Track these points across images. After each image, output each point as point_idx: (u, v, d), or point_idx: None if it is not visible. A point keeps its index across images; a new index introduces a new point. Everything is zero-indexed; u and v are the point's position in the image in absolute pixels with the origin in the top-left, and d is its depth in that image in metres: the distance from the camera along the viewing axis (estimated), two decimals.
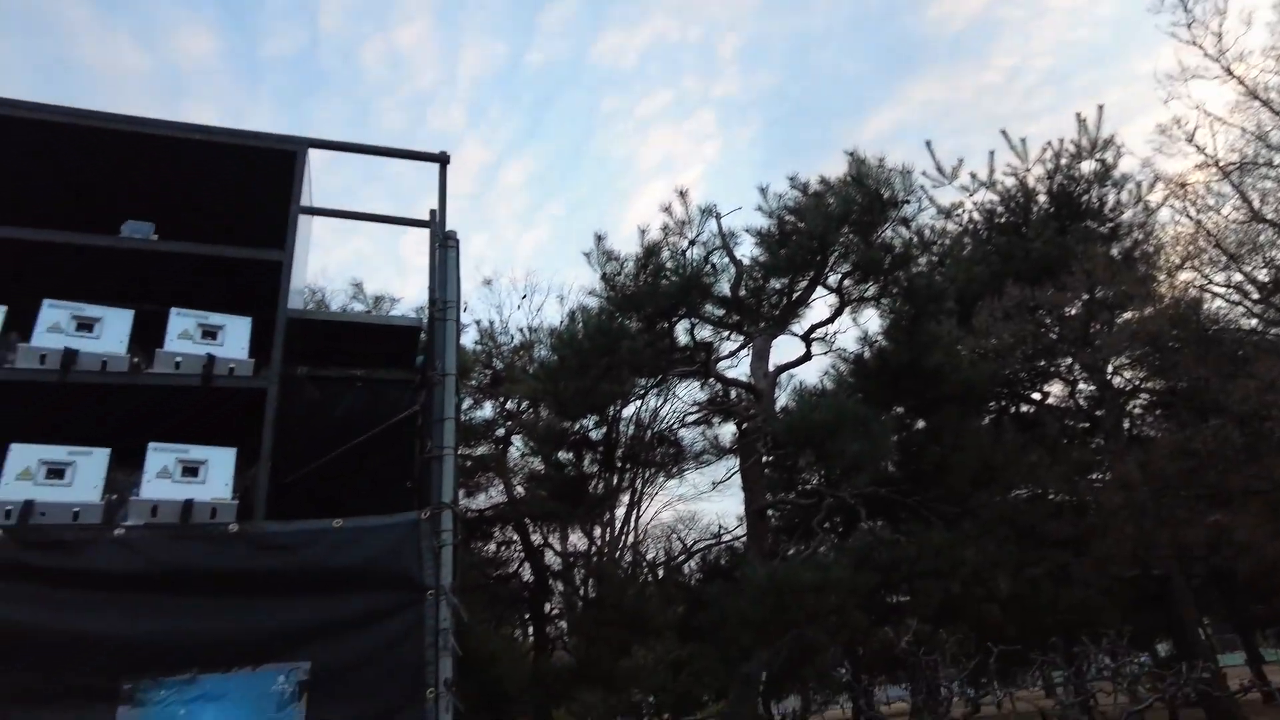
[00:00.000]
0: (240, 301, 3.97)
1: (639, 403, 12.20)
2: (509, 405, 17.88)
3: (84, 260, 3.91)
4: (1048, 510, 9.95)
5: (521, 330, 16.24)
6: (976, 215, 14.25)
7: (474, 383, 14.76)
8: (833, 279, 10.56)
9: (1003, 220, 13.95)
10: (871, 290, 10.70)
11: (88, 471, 3.34)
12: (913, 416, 11.52)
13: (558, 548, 19.69)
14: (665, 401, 17.49)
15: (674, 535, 26.56)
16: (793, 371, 11.04)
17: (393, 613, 3.31)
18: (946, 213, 13.84)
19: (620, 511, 27.36)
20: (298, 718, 3.06)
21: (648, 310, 9.72)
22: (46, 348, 3.50)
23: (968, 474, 10.55)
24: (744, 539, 16.96)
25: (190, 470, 3.43)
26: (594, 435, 9.85)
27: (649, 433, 12.26)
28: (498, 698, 8.98)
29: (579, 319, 10.02)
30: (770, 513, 11.05)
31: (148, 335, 3.81)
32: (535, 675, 12.23)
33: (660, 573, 19.18)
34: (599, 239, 10.20)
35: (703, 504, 52.77)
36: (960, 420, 10.86)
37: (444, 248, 4.28)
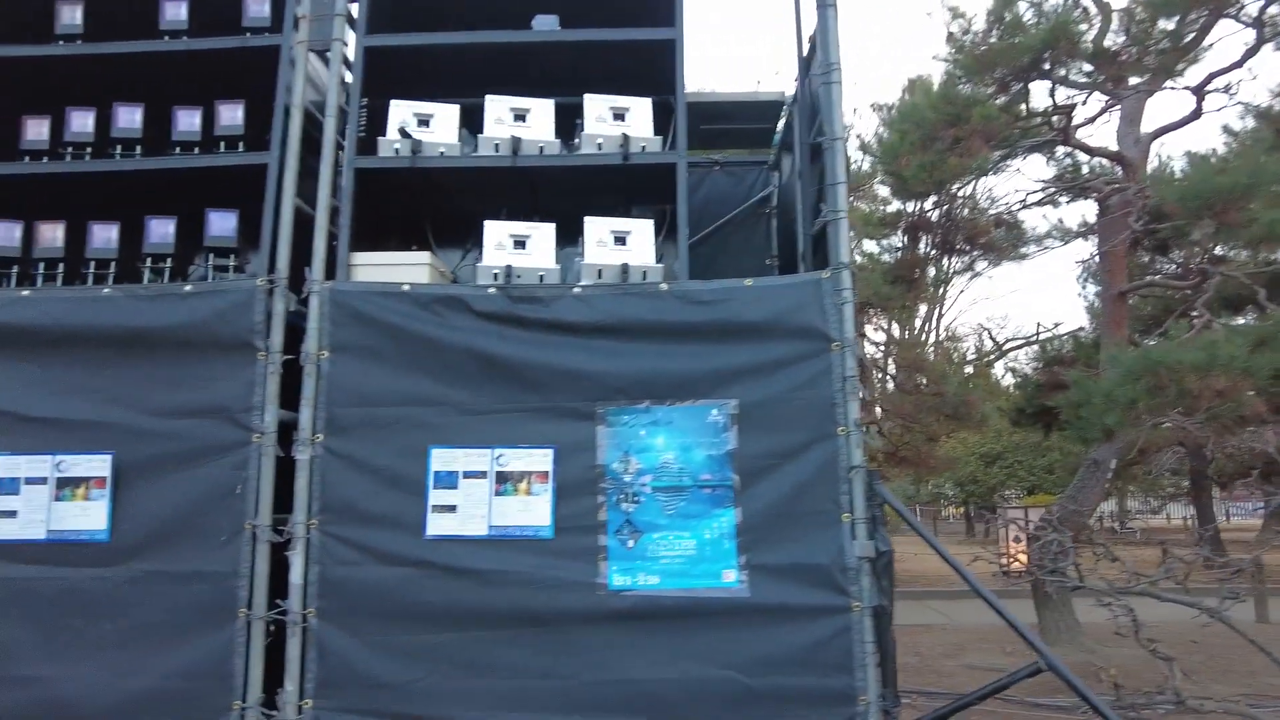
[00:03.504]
0: (625, 86, 4.22)
1: (976, 181, 11.28)
2: None
3: (505, 55, 4.40)
4: None
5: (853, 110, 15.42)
6: None
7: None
8: (1251, 8, 8.46)
9: None
10: None
11: (541, 242, 3.98)
12: None
13: (872, 337, 19.81)
14: (999, 180, 16.02)
15: (986, 332, 25.30)
16: (1162, 139, 9.34)
17: (802, 360, 3.65)
18: None
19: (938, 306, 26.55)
20: (731, 443, 3.61)
21: (1000, 71, 8.69)
22: (497, 137, 4.10)
23: None
24: (1084, 331, 15.68)
25: (620, 239, 3.95)
26: (932, 217, 9.37)
27: (985, 215, 11.41)
28: None
29: (919, 89, 9.29)
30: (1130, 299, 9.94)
31: (558, 121, 4.26)
32: None
33: (972, 369, 18.60)
34: None
35: (1016, 300, 49.05)
36: None
37: (823, 6, 4.16)
